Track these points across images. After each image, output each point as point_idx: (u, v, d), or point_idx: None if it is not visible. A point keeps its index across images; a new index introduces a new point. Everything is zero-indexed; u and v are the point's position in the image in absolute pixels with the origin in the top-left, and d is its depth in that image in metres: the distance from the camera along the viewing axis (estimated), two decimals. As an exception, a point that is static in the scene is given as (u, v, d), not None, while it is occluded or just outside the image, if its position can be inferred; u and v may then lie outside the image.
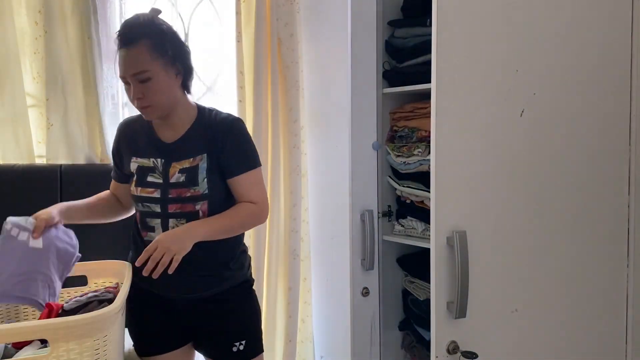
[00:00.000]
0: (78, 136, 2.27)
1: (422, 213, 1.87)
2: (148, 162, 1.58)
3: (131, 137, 1.64)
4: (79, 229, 2.21)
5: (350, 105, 1.75)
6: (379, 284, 1.86)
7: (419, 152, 1.85)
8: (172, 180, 1.54)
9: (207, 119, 1.60)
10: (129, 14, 2.39)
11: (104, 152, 2.32)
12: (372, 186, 1.83)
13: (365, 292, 1.82)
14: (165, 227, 1.56)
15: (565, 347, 1.43)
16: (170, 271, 1.39)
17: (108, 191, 1.76)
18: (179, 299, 1.61)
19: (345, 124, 1.81)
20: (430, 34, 1.20)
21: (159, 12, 1.54)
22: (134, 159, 1.60)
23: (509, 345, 1.33)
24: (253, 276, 1.74)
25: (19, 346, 1.42)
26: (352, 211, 1.75)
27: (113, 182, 1.74)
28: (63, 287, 1.82)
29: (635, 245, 1.50)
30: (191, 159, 1.55)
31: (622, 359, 1.52)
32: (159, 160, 1.57)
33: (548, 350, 1.39)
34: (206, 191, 1.54)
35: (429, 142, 1.82)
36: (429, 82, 1.21)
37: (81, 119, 2.26)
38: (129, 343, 1.70)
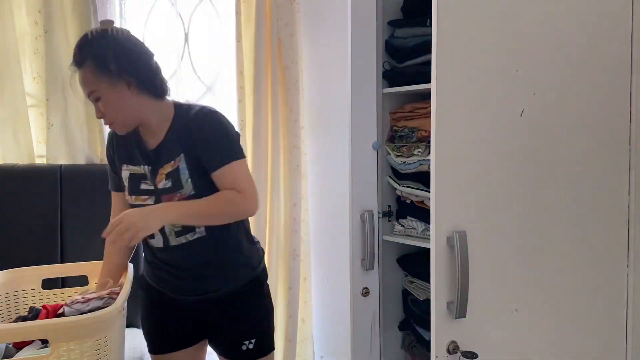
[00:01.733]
0: (78, 136, 2.27)
1: (422, 213, 1.87)
2: (140, 169, 1.55)
3: (122, 144, 1.60)
4: (79, 229, 2.22)
5: (350, 105, 1.75)
6: (379, 284, 1.86)
7: (419, 152, 1.85)
8: (160, 186, 1.51)
9: (183, 117, 1.53)
10: (129, 14, 2.39)
11: (104, 152, 2.32)
12: (372, 186, 1.83)
13: (365, 292, 1.82)
14: (163, 233, 1.54)
15: (565, 347, 1.43)
16: (130, 244, 1.38)
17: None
18: (189, 300, 1.60)
19: (345, 124, 1.81)
20: (430, 34, 1.20)
21: (110, 23, 1.51)
22: (124, 166, 1.57)
23: (509, 345, 1.33)
24: None
25: (19, 346, 1.42)
26: (352, 211, 1.75)
27: (115, 195, 1.65)
28: (63, 286, 1.83)
29: (635, 245, 1.50)
30: (172, 162, 1.51)
31: (622, 359, 1.52)
32: (146, 167, 1.54)
33: (548, 350, 1.39)
34: (192, 192, 1.49)
35: (429, 142, 1.82)
36: (429, 82, 1.21)
37: (81, 119, 2.26)
38: (129, 343, 1.70)
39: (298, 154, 2.45)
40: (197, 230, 1.52)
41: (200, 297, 1.59)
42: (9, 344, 1.42)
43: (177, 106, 1.56)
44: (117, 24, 2.38)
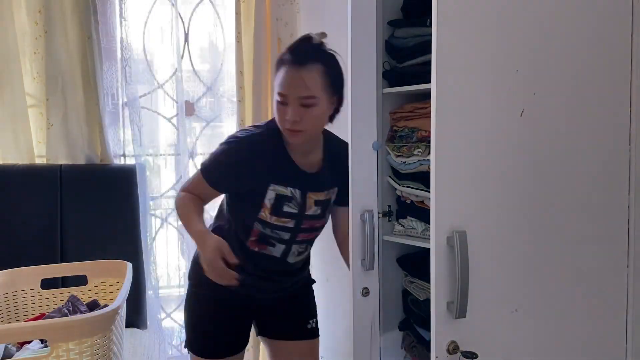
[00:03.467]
0: (78, 136, 2.27)
1: (422, 213, 1.87)
2: (285, 190, 1.55)
3: (269, 161, 1.55)
4: (79, 229, 2.21)
5: (350, 105, 1.74)
6: (379, 284, 1.86)
7: (419, 152, 1.85)
8: (309, 212, 1.58)
9: (333, 144, 1.61)
10: (129, 14, 2.39)
11: (104, 152, 2.32)
12: (372, 186, 1.83)
13: (365, 292, 1.81)
14: (287, 251, 1.66)
15: (565, 347, 1.43)
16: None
17: (191, 197, 1.62)
18: (266, 298, 1.77)
19: (345, 124, 1.81)
20: (430, 34, 1.20)
21: (326, 35, 1.53)
22: (272, 186, 1.54)
23: (509, 345, 1.33)
24: None
25: (20, 344, 1.42)
26: (352, 211, 1.74)
27: (207, 186, 1.59)
28: (62, 286, 1.82)
29: (635, 245, 1.50)
30: (325, 192, 1.59)
31: (622, 359, 1.52)
32: (297, 190, 1.56)
33: (548, 350, 1.39)
34: (326, 221, 1.67)
35: (429, 142, 1.81)
36: (429, 82, 1.21)
37: (81, 119, 2.26)
38: (129, 343, 1.70)
39: (298, 154, 2.45)
40: (306, 253, 1.73)
41: (280, 295, 1.78)
42: (9, 343, 1.42)
43: (324, 132, 1.62)
44: (117, 24, 2.39)
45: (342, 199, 1.58)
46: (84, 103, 2.26)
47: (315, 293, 2.54)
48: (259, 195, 1.54)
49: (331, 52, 1.51)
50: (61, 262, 2.14)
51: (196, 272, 1.68)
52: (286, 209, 1.55)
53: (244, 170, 1.54)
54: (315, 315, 1.90)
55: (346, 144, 1.57)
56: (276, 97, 1.46)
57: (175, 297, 2.82)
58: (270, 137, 1.54)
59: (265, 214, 1.56)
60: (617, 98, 1.46)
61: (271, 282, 1.72)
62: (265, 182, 1.53)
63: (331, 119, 1.58)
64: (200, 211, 1.59)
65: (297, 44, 1.46)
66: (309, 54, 1.43)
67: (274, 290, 1.78)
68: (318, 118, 1.47)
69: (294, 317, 1.86)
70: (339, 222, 1.71)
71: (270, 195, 1.53)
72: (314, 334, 1.89)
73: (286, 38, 2.43)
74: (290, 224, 1.57)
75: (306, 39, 1.47)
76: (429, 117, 1.21)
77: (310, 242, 1.75)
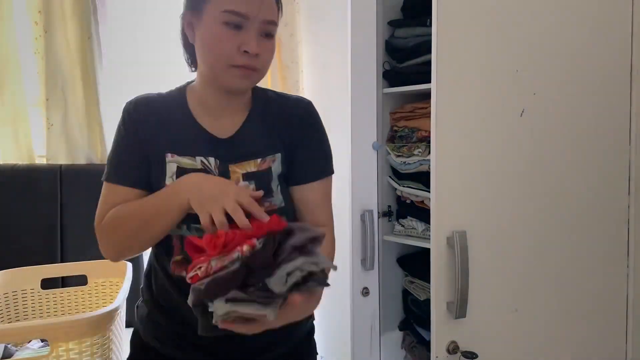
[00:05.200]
0: (78, 136, 2.27)
1: (422, 213, 1.87)
2: (194, 162, 1.04)
3: (162, 124, 1.08)
4: (79, 229, 2.21)
5: (350, 105, 1.75)
6: (379, 284, 1.86)
7: (419, 152, 1.85)
8: None
9: (271, 101, 1.12)
10: (128, 14, 2.39)
11: (104, 152, 2.32)
12: (372, 186, 1.83)
13: (365, 292, 1.81)
14: None
15: (565, 346, 1.43)
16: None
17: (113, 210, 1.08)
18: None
19: (345, 124, 1.81)
20: (430, 34, 1.20)
21: None
22: (170, 156, 1.05)
23: (509, 345, 1.33)
24: None
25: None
26: (352, 211, 1.74)
27: (116, 189, 1.06)
28: (62, 286, 1.82)
29: (636, 245, 1.50)
30: (259, 160, 1.07)
31: (622, 358, 1.52)
32: (211, 160, 1.05)
33: (548, 350, 1.39)
34: (282, 204, 1.08)
35: (429, 142, 1.82)
36: (429, 82, 1.21)
37: (81, 119, 2.26)
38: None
39: (298, 154, 2.45)
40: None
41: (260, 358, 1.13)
42: (9, 343, 1.42)
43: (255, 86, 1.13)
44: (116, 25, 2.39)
45: (298, 174, 1.10)
46: (84, 103, 2.26)
47: (315, 293, 2.55)
48: (160, 175, 1.05)
49: None
50: (61, 262, 2.14)
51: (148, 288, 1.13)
52: None
53: (134, 142, 1.09)
54: None
55: (295, 100, 1.15)
56: (222, 17, 0.99)
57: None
58: (168, 95, 1.13)
59: None
60: (617, 98, 1.46)
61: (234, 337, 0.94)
62: (162, 151, 1.05)
63: None
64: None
65: None
66: None
67: (246, 349, 1.10)
68: (273, 53, 1.05)
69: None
70: (300, 208, 1.14)
71: (170, 167, 1.04)
72: None
73: (286, 38, 2.43)
74: None
75: None
76: (429, 117, 1.21)
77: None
